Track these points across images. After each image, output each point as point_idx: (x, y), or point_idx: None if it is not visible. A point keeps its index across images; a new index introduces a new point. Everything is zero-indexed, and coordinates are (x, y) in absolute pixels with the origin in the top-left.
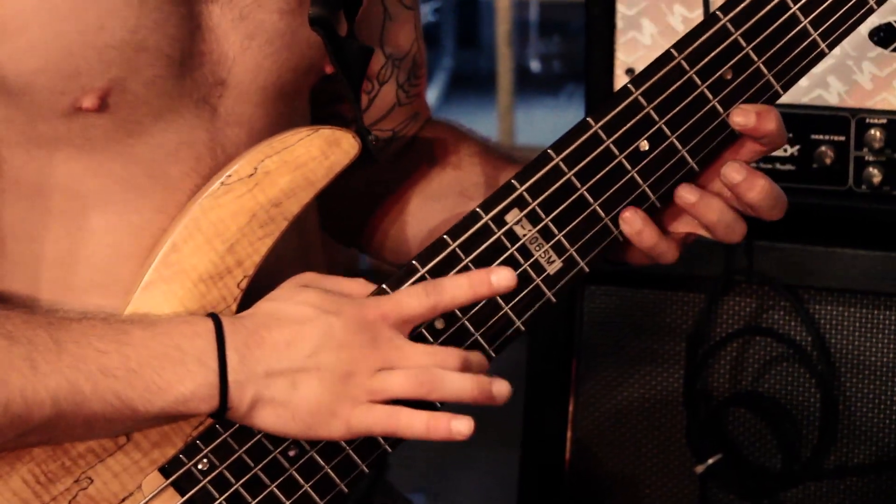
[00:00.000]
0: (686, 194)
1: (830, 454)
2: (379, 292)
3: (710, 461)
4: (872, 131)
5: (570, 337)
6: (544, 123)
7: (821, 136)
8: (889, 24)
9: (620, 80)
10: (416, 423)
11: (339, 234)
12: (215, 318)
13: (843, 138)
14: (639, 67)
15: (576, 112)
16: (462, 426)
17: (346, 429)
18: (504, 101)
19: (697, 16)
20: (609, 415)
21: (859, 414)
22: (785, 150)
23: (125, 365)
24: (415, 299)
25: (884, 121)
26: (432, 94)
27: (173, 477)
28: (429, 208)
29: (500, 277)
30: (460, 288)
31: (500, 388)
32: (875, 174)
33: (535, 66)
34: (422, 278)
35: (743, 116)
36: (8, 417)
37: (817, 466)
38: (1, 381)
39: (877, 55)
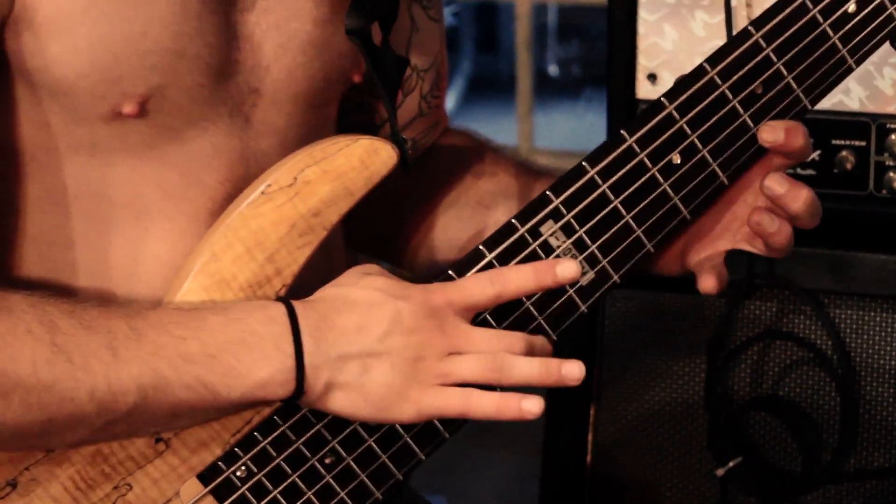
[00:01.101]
0: (775, 185)
1: (850, 458)
2: (445, 279)
3: (731, 464)
4: (893, 136)
5: (591, 340)
6: (563, 127)
7: (841, 142)
8: None
9: (642, 85)
10: (487, 404)
11: (357, 244)
12: (287, 303)
13: (863, 143)
14: (660, 73)
15: (594, 116)
16: (533, 405)
17: (417, 411)
18: (523, 105)
19: (719, 21)
20: (630, 418)
21: (879, 418)
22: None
23: (204, 351)
24: (479, 287)
25: None
26: (451, 98)
27: (212, 484)
28: (447, 217)
29: (565, 268)
30: (525, 277)
31: (572, 368)
32: (895, 179)
33: (553, 70)
34: None
35: (772, 133)
36: (94, 404)
37: (837, 470)
38: (84, 369)
39: None
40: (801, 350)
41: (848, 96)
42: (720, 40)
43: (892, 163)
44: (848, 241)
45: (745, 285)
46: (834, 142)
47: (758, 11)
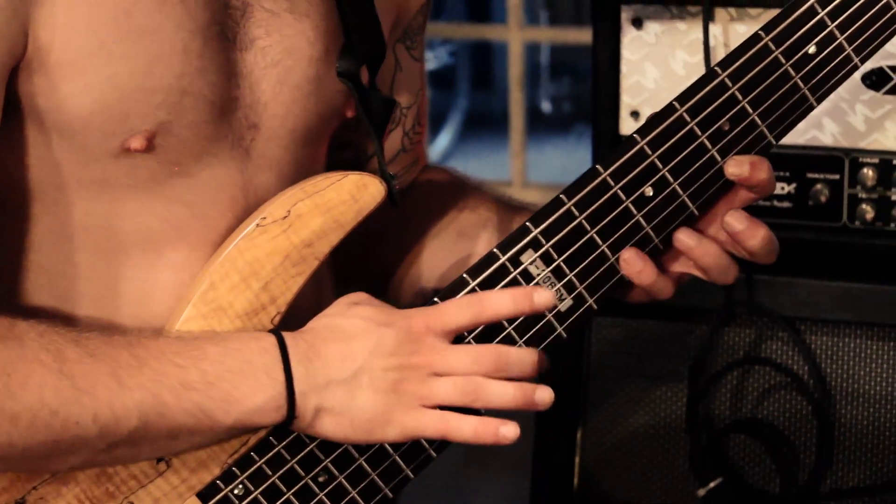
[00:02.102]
0: (685, 238)
1: (826, 478)
2: (430, 305)
3: (712, 485)
4: (865, 170)
5: (578, 366)
6: (555, 162)
7: (816, 175)
8: (881, 69)
9: (626, 122)
10: (465, 428)
11: (345, 276)
12: (278, 334)
13: (837, 177)
14: (643, 109)
15: (585, 151)
16: (509, 431)
17: (400, 432)
18: (516, 141)
19: (698, 61)
20: (616, 440)
21: (854, 440)
22: (782, 188)
23: (204, 379)
24: (457, 310)
25: (876, 160)
26: (448, 134)
27: (211, 502)
28: (430, 248)
29: (541, 296)
30: (502, 302)
31: (543, 394)
32: (868, 211)
33: (546, 106)
34: None
35: (737, 167)
36: (97, 427)
37: (814, 490)
38: (89, 395)
39: (869, 98)
40: (778, 375)
41: (822, 132)
42: None
43: (864, 195)
44: (823, 271)
45: (724, 313)
46: (809, 175)
47: None
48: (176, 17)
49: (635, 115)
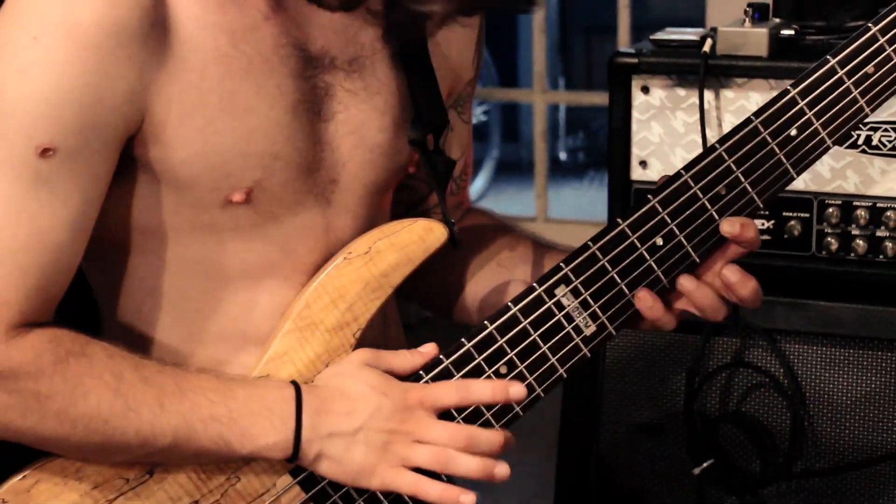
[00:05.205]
0: (686, 283)
1: (798, 461)
2: (435, 363)
3: (705, 465)
4: (830, 210)
5: (595, 370)
6: (571, 202)
7: (790, 213)
8: None
9: (635, 170)
10: (431, 491)
11: (414, 300)
12: (296, 387)
13: (807, 215)
14: (649, 160)
15: (596, 193)
16: (468, 499)
17: (381, 484)
18: (539, 184)
19: (694, 120)
20: (626, 429)
21: (820, 430)
22: (762, 224)
23: (229, 415)
24: (446, 393)
25: (839, 202)
26: (483, 178)
27: (299, 477)
28: (477, 277)
29: (515, 391)
30: (484, 391)
31: (501, 469)
32: (832, 243)
33: (563, 156)
34: (489, 334)
35: (730, 226)
36: (138, 439)
37: (787, 470)
38: (135, 412)
39: (834, 151)
40: (759, 377)
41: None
42: (696, 135)
43: (829, 230)
44: (796, 291)
45: (715, 326)
46: (784, 213)
47: (725, 114)
48: (270, 98)
49: (643, 164)
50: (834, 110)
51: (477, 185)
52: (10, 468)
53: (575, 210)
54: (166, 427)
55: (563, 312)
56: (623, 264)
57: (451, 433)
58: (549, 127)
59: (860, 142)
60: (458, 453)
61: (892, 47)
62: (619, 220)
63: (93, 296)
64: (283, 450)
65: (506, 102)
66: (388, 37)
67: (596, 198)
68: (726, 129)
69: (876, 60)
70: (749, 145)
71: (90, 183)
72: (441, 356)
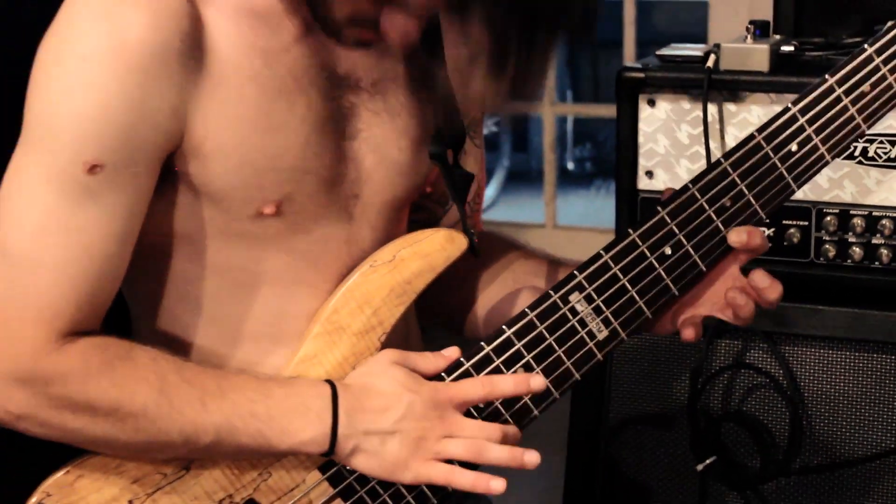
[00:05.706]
0: (759, 280)
1: (796, 458)
2: (456, 366)
3: (708, 461)
4: (828, 218)
5: (604, 368)
6: (578, 209)
7: (790, 222)
8: None
9: (642, 179)
10: (465, 479)
11: (429, 317)
12: (332, 385)
13: (806, 223)
14: (655, 170)
15: (602, 201)
16: (498, 485)
17: (414, 477)
18: (548, 192)
19: (699, 133)
20: (633, 427)
21: (817, 429)
22: (763, 232)
23: (268, 413)
24: (473, 389)
25: (836, 211)
26: (494, 186)
27: (328, 473)
28: (491, 289)
29: (536, 382)
30: (506, 385)
31: (531, 457)
32: (830, 250)
33: (571, 166)
34: (507, 338)
35: (737, 236)
36: (182, 437)
37: (786, 467)
38: (179, 412)
39: (831, 162)
40: (759, 377)
41: None
42: (700, 146)
43: (827, 238)
44: (795, 296)
45: (717, 328)
46: (784, 222)
47: (728, 126)
48: (300, 116)
49: (649, 174)
50: (832, 127)
51: (488, 194)
52: (45, 467)
53: (582, 217)
54: (209, 425)
55: (577, 318)
56: (634, 272)
57: (482, 427)
58: (558, 137)
59: (857, 153)
60: (491, 444)
61: (887, 67)
62: (630, 231)
63: (122, 305)
64: (321, 445)
65: (515, 114)
66: (409, 62)
67: (602, 205)
68: (729, 140)
69: (871, 80)
70: (752, 160)
71: (135, 196)
72: (461, 359)
